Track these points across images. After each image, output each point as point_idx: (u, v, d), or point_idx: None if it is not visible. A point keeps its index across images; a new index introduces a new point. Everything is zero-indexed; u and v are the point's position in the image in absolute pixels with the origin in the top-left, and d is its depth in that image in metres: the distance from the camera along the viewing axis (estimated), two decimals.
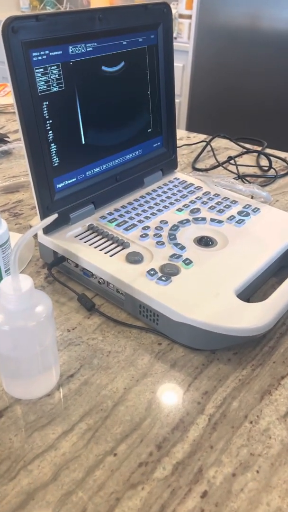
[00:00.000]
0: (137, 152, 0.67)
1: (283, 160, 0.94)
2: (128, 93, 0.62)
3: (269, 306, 0.48)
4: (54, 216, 0.38)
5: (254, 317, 0.47)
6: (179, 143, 1.03)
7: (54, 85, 0.52)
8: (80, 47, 0.53)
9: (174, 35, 2.30)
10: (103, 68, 0.57)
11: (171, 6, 2.31)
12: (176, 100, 2.37)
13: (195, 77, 2.20)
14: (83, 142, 0.58)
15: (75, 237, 0.57)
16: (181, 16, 2.22)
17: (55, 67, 0.51)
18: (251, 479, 0.36)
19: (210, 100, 2.21)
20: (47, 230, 0.57)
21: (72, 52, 0.53)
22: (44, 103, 0.51)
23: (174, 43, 2.23)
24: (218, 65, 2.10)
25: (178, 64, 2.27)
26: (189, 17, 2.19)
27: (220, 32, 2.03)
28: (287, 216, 0.64)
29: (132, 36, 0.59)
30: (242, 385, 0.45)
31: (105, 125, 0.60)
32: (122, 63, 0.59)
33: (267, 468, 0.37)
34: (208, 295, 0.49)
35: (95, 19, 0.54)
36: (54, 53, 0.51)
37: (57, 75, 0.52)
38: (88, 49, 0.54)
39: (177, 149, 1.00)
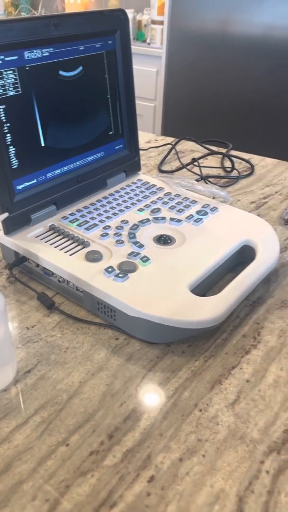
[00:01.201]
0: (98, 154, 0.68)
1: (246, 161, 0.96)
2: (87, 97, 0.64)
3: (221, 299, 0.50)
4: (4, 215, 0.39)
5: (206, 310, 0.49)
6: (147, 145, 1.05)
7: (10, 89, 0.53)
8: (36, 52, 0.55)
9: (148, 40, 2.33)
10: (61, 72, 0.59)
11: (144, 11, 2.34)
12: (151, 105, 2.40)
13: (168, 82, 2.23)
14: (43, 145, 0.59)
15: (36, 237, 0.59)
16: (153, 22, 2.26)
17: (11, 71, 0.53)
18: (197, 463, 0.38)
19: (184, 104, 2.24)
20: (8, 230, 0.58)
21: (28, 57, 0.54)
22: (1, 107, 0.52)
23: (147, 49, 2.26)
24: (191, 69, 2.14)
25: (151, 69, 2.30)
26: (161, 22, 2.22)
27: (192, 37, 2.06)
28: (244, 215, 0.66)
29: (89, 41, 0.61)
30: (194, 375, 0.46)
31: (65, 128, 0.61)
32: (80, 68, 0.61)
33: (212, 452, 0.39)
34: (163, 291, 0.51)
35: (50, 26, 0.55)
36: (10, 58, 0.52)
37: (13, 80, 0.53)
38: (44, 54, 0.56)
39: (145, 151, 1.02)
